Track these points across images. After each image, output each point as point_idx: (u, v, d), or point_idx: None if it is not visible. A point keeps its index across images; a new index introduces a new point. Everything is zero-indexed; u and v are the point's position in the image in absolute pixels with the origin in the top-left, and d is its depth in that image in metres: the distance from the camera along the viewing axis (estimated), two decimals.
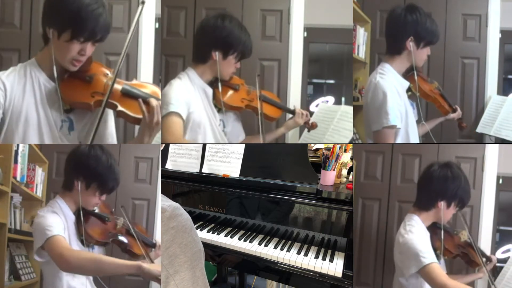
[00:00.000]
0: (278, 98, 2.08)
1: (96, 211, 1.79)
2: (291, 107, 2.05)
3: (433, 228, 1.77)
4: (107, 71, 1.56)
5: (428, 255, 1.62)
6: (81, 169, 1.67)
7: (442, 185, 1.73)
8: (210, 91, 1.84)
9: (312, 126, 2.05)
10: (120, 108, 1.52)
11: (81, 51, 1.45)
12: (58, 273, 1.62)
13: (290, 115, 2.03)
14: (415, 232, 1.69)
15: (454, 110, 2.08)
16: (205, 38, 1.80)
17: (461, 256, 1.84)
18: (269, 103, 1.96)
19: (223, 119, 1.90)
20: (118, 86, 1.53)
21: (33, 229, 1.68)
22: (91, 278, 1.76)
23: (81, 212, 1.68)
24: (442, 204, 1.73)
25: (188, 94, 1.78)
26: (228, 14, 1.83)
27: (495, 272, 1.88)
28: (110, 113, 1.66)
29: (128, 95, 1.54)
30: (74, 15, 1.39)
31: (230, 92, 1.88)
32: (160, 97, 1.58)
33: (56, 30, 1.42)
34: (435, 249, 1.72)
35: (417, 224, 1.72)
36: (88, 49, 1.46)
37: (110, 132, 1.68)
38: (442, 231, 1.74)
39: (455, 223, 2.27)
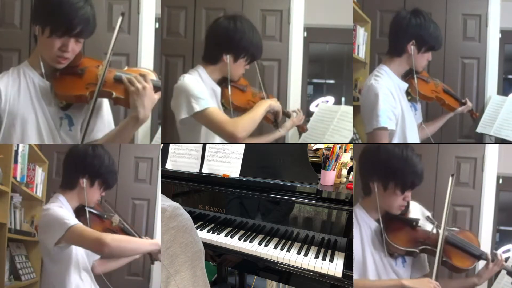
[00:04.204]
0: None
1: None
2: (289, 109, 2.04)
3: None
4: (99, 64, 1.55)
5: None
6: (86, 167, 1.70)
7: None
8: (219, 90, 1.84)
9: (303, 130, 2.04)
10: (115, 94, 1.52)
11: (63, 47, 1.45)
12: (66, 271, 1.62)
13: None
14: None
15: (463, 103, 2.05)
16: (216, 41, 1.79)
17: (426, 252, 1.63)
18: None
19: None
20: (111, 74, 1.53)
21: (43, 225, 1.67)
22: (94, 278, 1.76)
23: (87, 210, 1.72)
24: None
25: (205, 90, 1.77)
26: (240, 15, 1.80)
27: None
28: (105, 103, 1.66)
29: (121, 81, 1.53)
30: (55, 9, 1.41)
31: (238, 92, 1.88)
32: (154, 77, 1.57)
33: (41, 27, 1.44)
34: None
35: None
36: (70, 45, 1.46)
37: (108, 122, 1.68)
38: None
39: (455, 220, 2.26)
